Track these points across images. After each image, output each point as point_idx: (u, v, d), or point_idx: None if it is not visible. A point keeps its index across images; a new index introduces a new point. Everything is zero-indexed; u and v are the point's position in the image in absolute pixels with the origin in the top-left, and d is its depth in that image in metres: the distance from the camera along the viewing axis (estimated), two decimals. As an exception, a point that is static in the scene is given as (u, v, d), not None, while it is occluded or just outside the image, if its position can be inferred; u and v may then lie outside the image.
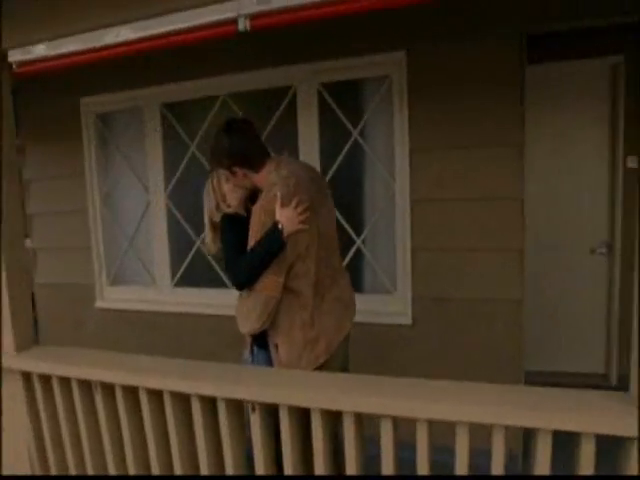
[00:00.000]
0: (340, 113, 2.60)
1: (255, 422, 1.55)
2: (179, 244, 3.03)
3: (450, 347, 2.54)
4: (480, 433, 1.34)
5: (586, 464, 1.29)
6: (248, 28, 1.51)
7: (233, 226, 1.78)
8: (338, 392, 1.48)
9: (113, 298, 3.19)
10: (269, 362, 1.80)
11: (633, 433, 1.22)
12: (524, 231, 2.42)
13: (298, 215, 1.64)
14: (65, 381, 1.84)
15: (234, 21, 1.51)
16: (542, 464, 1.32)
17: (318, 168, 2.60)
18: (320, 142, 2.63)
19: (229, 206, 1.84)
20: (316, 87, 2.61)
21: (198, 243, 2.98)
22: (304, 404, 1.50)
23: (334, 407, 1.46)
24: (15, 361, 1.86)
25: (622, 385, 3.29)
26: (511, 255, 2.42)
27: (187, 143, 2.91)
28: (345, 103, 2.62)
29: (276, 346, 1.72)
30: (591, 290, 3.34)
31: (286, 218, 1.62)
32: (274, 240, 1.61)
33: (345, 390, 1.49)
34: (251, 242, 1.65)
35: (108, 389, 1.78)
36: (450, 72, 2.37)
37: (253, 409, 1.54)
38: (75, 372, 1.79)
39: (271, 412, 1.55)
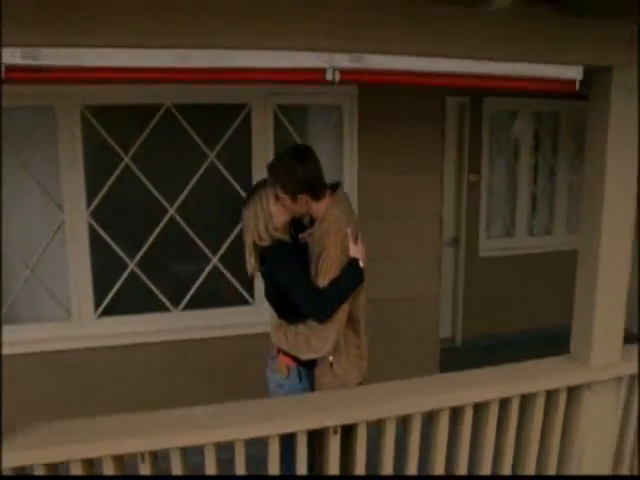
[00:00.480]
0: (296, 135, 2.74)
1: (335, 444, 1.71)
2: (105, 268, 2.66)
3: (383, 340, 3.03)
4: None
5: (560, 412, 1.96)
6: (337, 80, 1.58)
7: (293, 256, 1.82)
8: (409, 397, 1.80)
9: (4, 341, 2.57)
10: (313, 381, 1.94)
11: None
12: (441, 240, 3.08)
13: (365, 251, 1.83)
14: (88, 463, 1.59)
15: (323, 70, 1.56)
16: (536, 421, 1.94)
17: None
18: (275, 161, 2.72)
19: (276, 229, 1.85)
20: (272, 108, 2.67)
21: (132, 265, 2.68)
22: (380, 416, 1.75)
23: (404, 412, 1.77)
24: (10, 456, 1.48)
25: (465, 345, 4.38)
26: (431, 260, 3.05)
27: (119, 154, 2.55)
28: (300, 126, 2.76)
29: (331, 364, 1.88)
30: (444, 273, 4.33)
31: (361, 254, 1.79)
32: (357, 276, 1.77)
33: (413, 394, 1.81)
34: (328, 276, 1.75)
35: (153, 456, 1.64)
36: (394, 107, 2.79)
37: (335, 432, 1.70)
38: (114, 448, 1.56)
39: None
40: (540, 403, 1.93)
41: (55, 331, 2.62)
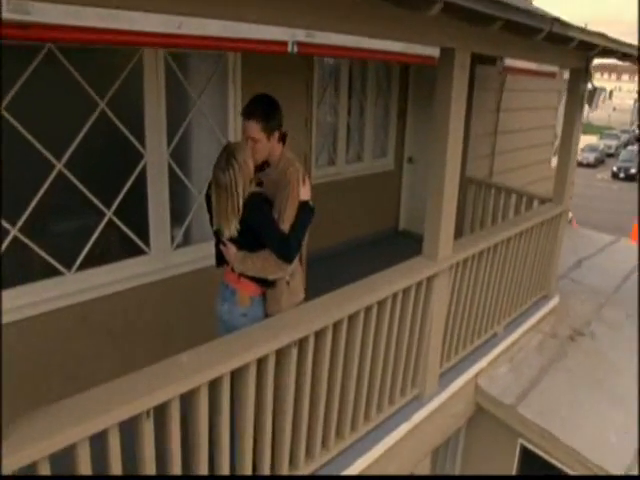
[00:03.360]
0: (184, 80, 2.73)
1: (294, 356, 2.16)
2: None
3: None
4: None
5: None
6: (296, 51, 1.76)
7: (267, 203, 2.08)
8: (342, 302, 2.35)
9: None
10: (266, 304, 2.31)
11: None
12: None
13: None
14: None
15: (285, 43, 1.71)
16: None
17: (165, 133, 2.73)
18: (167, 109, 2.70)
19: (251, 181, 2.05)
20: (163, 56, 2.58)
21: (14, 232, 2.37)
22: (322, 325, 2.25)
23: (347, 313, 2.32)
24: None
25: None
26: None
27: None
28: (188, 72, 2.75)
29: (288, 282, 2.27)
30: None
31: (308, 195, 2.15)
32: (310, 216, 2.14)
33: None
34: (291, 212, 2.06)
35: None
36: (270, 60, 3.02)
37: (295, 345, 2.16)
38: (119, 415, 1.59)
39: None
40: (412, 293, 2.77)
41: None
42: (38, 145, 2.33)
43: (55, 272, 2.56)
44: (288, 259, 2.13)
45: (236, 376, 1.97)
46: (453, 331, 3.32)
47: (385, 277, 2.63)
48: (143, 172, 2.71)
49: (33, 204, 2.40)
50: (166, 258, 2.95)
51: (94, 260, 2.68)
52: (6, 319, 2.39)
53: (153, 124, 2.64)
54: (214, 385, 1.86)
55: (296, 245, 2.12)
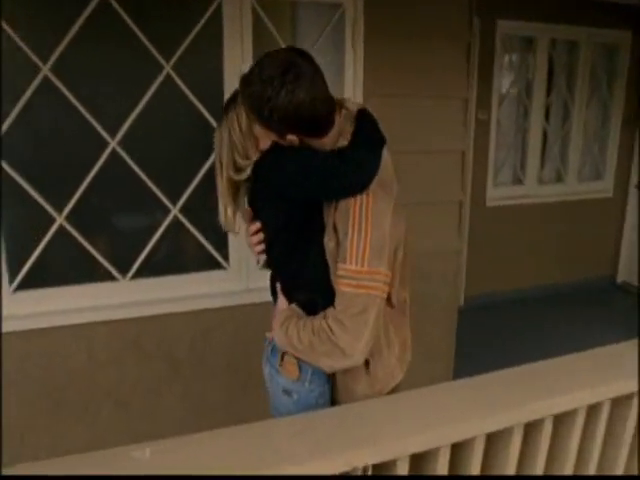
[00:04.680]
0: (282, 42, 2.03)
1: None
2: (22, 225, 1.95)
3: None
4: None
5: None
6: None
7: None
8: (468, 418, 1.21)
9: None
10: (334, 381, 1.32)
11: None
12: (464, 183, 2.50)
13: None
14: None
15: None
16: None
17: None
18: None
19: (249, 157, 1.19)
20: (250, 3, 1.94)
21: (60, 220, 1.96)
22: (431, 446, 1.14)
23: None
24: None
25: (470, 305, 3.88)
26: (451, 207, 2.48)
27: (35, 62, 1.79)
28: (287, 30, 2.06)
29: (367, 363, 1.25)
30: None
31: None
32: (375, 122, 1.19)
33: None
34: None
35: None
36: (410, 14, 2.12)
37: (365, 472, 1.07)
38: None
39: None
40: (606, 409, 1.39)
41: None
42: (88, 116, 1.87)
43: (106, 276, 2.06)
44: (362, 181, 1.06)
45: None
46: None
47: (562, 368, 1.35)
48: (220, 159, 2.05)
49: (82, 189, 1.95)
50: (249, 278, 2.22)
51: (153, 268, 2.12)
52: (33, 325, 1.96)
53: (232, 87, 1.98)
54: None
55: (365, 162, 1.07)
